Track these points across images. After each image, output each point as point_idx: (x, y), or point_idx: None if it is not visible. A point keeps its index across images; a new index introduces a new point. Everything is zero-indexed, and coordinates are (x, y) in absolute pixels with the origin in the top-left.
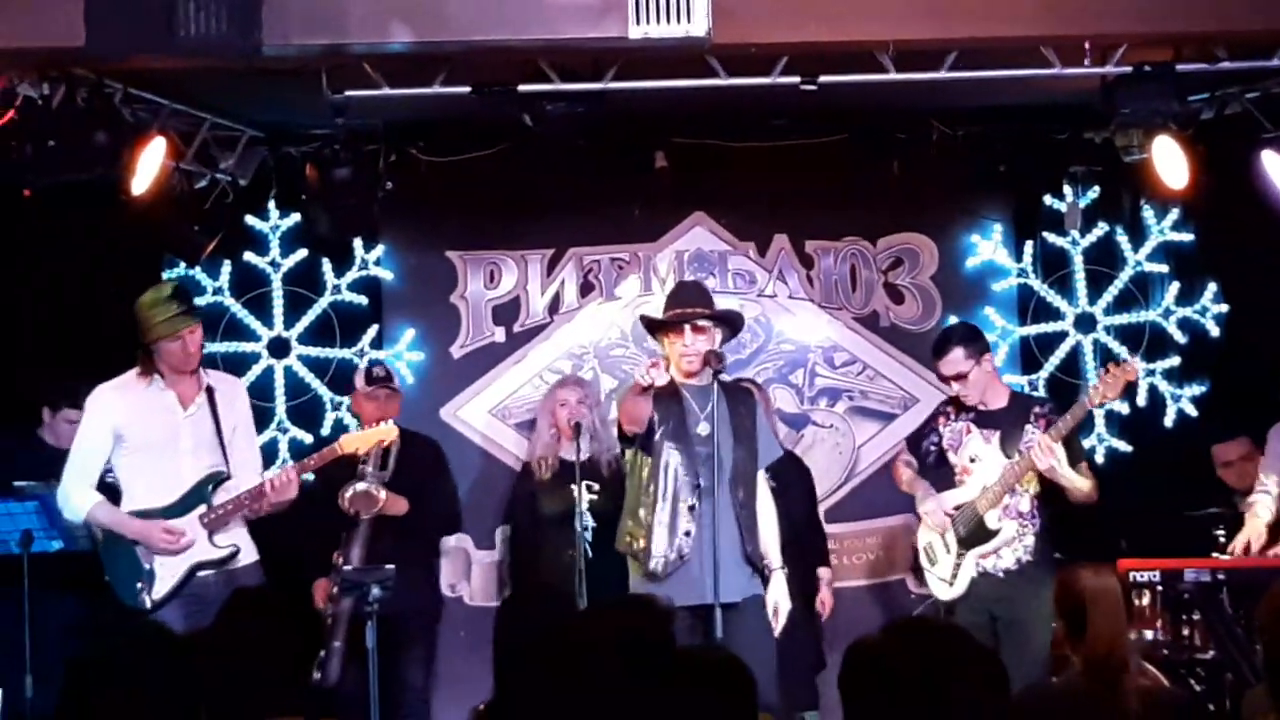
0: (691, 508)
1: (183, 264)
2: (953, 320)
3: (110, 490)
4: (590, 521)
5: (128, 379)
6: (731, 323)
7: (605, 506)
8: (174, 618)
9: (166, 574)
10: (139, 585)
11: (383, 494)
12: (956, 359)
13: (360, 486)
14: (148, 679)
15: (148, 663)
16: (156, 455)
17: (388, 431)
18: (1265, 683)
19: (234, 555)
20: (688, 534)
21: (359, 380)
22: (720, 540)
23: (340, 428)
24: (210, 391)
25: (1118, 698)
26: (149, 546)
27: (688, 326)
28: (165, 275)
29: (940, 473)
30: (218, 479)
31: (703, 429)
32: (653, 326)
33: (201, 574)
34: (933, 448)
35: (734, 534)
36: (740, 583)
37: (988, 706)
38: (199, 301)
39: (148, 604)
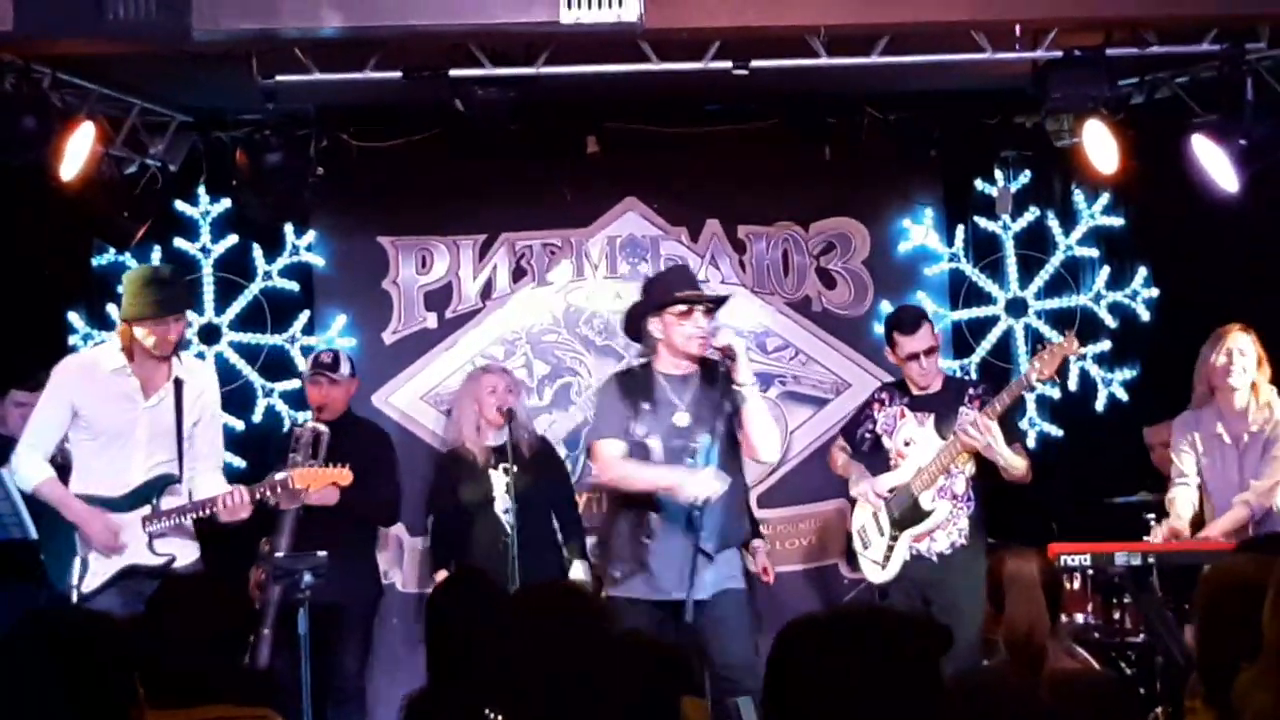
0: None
1: (112, 250)
2: (885, 305)
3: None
4: (511, 503)
5: (97, 355)
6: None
7: (526, 488)
8: (113, 605)
9: (99, 569)
10: (70, 574)
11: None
12: (926, 334)
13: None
14: (82, 665)
15: (82, 649)
16: (110, 443)
17: (340, 474)
18: (1197, 669)
19: (169, 564)
20: (649, 537)
21: (307, 363)
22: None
23: (272, 414)
24: (179, 384)
25: (1038, 682)
26: (86, 537)
27: (699, 309)
28: (95, 261)
29: (876, 458)
30: (167, 481)
31: (680, 419)
32: (661, 306)
33: (132, 579)
34: (868, 435)
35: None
36: (705, 577)
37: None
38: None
39: (74, 596)
